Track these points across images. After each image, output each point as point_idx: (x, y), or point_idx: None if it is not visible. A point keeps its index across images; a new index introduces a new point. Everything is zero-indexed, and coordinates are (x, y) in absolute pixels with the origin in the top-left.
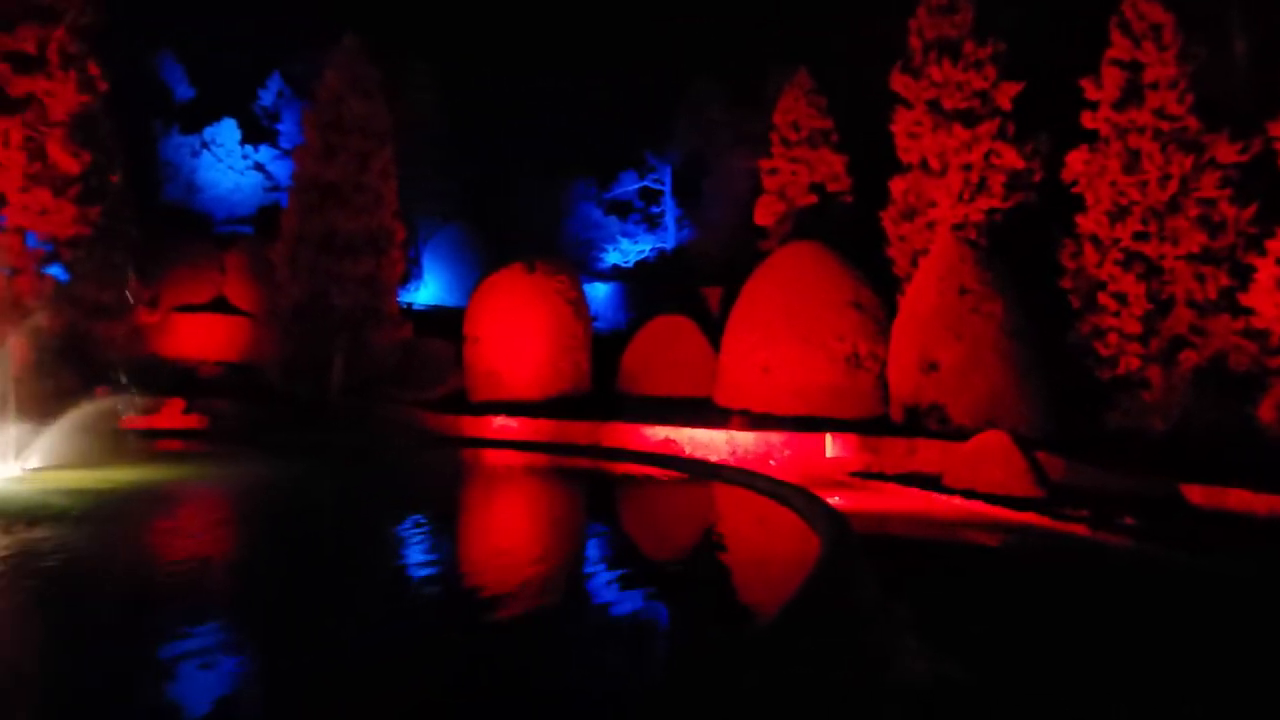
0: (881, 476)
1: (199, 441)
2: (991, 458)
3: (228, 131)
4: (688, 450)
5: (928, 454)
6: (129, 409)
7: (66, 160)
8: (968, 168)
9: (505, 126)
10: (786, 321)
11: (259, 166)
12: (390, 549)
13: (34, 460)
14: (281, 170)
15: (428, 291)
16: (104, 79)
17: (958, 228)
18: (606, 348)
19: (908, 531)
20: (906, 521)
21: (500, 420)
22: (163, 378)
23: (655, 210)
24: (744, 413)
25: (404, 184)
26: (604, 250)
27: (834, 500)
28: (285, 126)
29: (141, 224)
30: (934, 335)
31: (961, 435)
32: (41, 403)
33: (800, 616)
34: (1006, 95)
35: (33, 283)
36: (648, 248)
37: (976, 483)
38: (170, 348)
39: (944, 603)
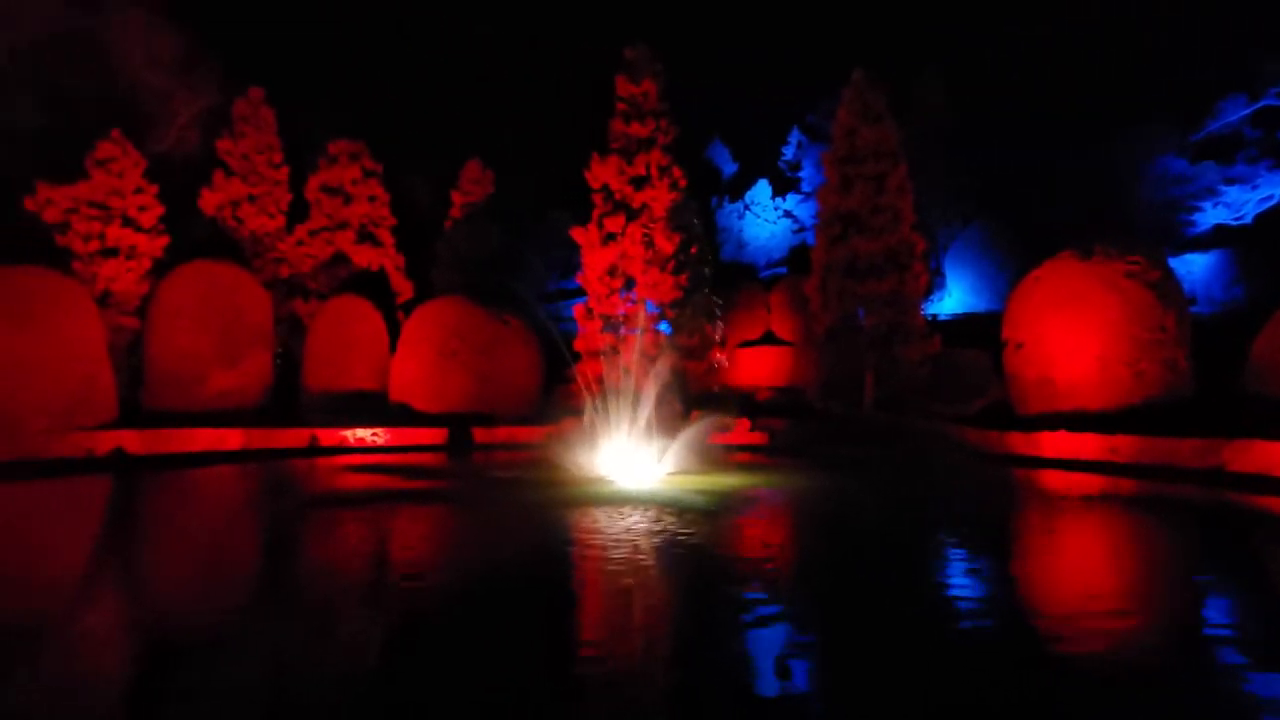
0: None
1: (763, 454)
2: None
3: (761, 191)
4: None
5: None
6: (715, 428)
7: (665, 244)
8: None
9: (1029, 96)
10: None
11: (787, 214)
12: (940, 572)
13: (668, 466)
14: (805, 212)
15: (953, 300)
16: (684, 177)
17: None
18: (1216, 336)
19: None
20: None
21: (1059, 436)
22: (732, 402)
23: None
24: None
25: (919, 193)
26: (1198, 209)
27: None
28: (805, 172)
29: (711, 282)
30: None
31: None
32: (664, 424)
33: None
34: None
35: (652, 338)
36: (1276, 191)
37: None
38: (734, 378)
39: None
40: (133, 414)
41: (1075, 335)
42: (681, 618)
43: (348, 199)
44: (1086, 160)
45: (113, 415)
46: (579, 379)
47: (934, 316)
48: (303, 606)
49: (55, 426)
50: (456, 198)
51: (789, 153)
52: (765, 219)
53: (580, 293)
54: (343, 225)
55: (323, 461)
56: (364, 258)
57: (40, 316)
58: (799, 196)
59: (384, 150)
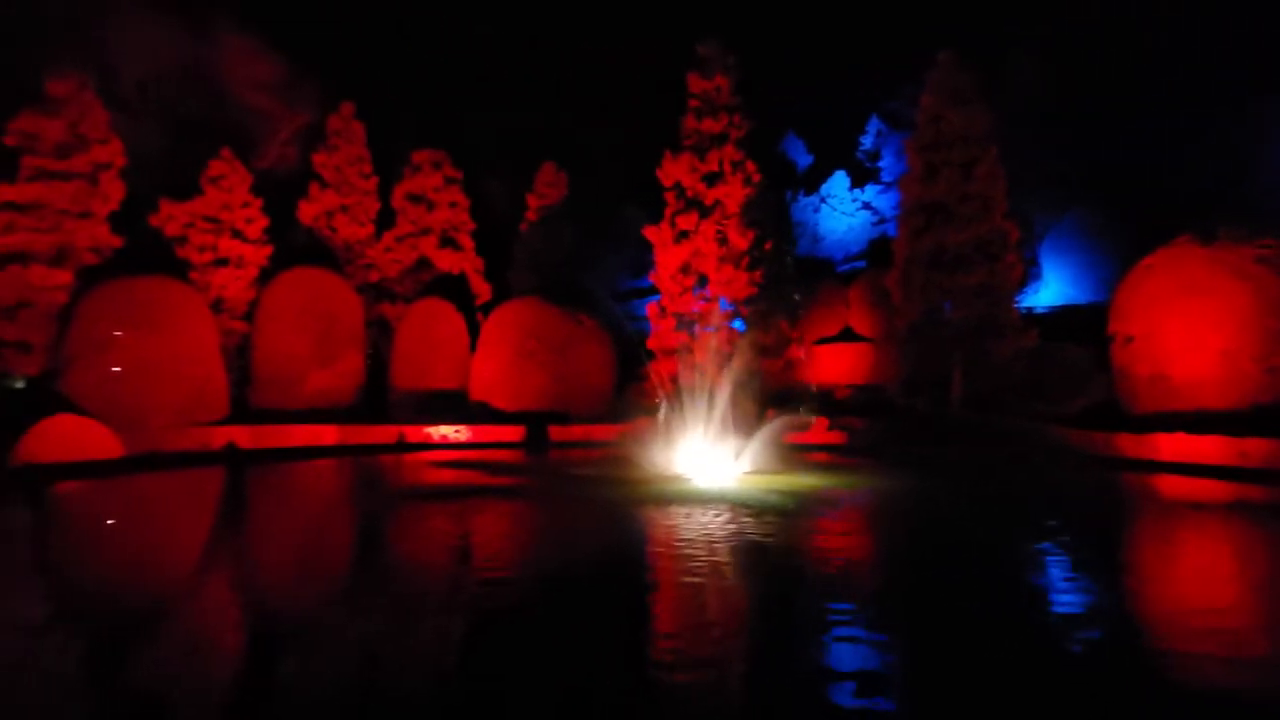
0: None
1: (841, 454)
2: None
3: (838, 183)
4: None
5: None
6: (792, 427)
7: (739, 240)
8: None
9: (1135, 70)
10: None
11: (866, 205)
12: (1038, 584)
13: (744, 466)
14: (885, 202)
15: (1050, 292)
16: (758, 172)
17: None
18: None
19: None
20: None
21: (1177, 438)
22: (808, 400)
23: None
24: None
25: (1012, 179)
26: None
27: None
28: (886, 161)
29: (787, 277)
30: None
31: None
32: (739, 423)
33: None
34: None
35: (726, 335)
36: None
37: None
38: (811, 375)
39: None
40: (241, 411)
41: (1195, 328)
42: (760, 622)
43: (431, 206)
44: (1202, 137)
45: (225, 412)
46: (653, 377)
47: (1029, 309)
48: (392, 597)
49: (176, 423)
50: (532, 200)
51: (868, 142)
52: (842, 211)
53: (653, 291)
54: (426, 231)
55: (409, 457)
56: (446, 262)
57: (164, 323)
58: (879, 187)
59: (463, 157)
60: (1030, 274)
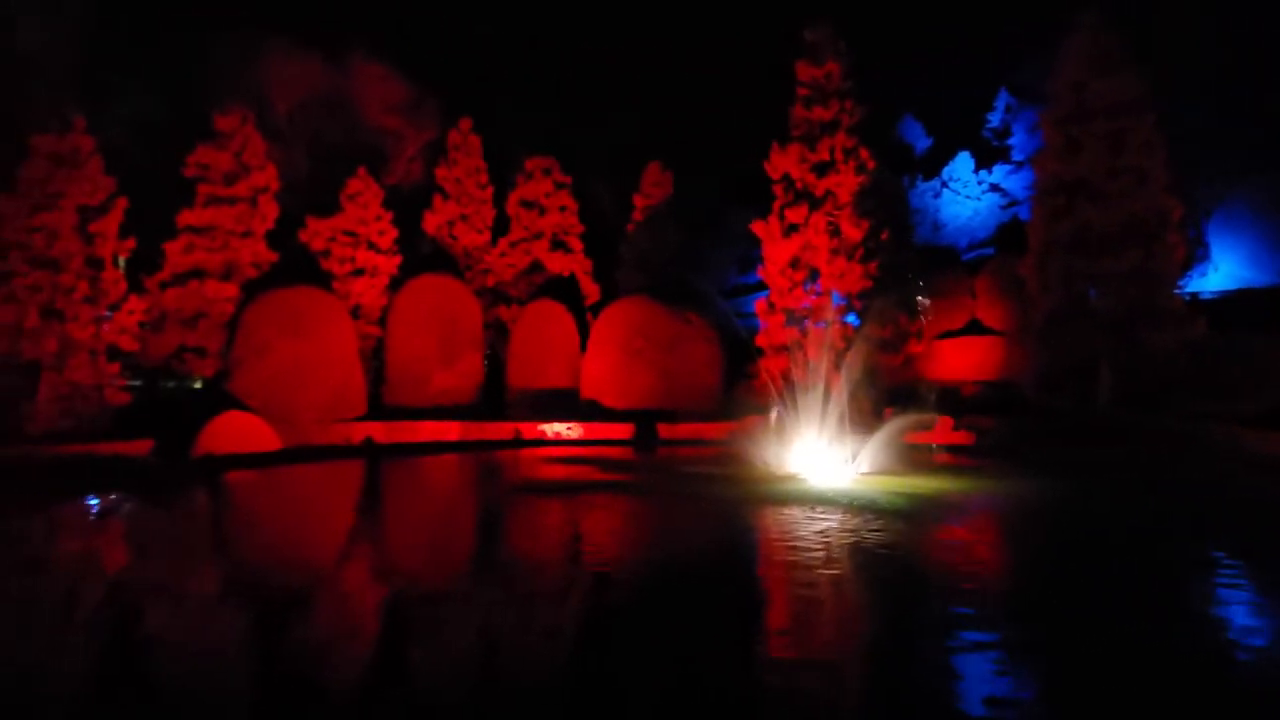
0: None
1: (968, 456)
2: None
3: (962, 165)
4: None
5: None
6: (913, 426)
7: (852, 231)
8: None
9: None
10: None
11: (994, 187)
12: (1198, 604)
13: (863, 466)
14: (1015, 183)
15: (1220, 275)
16: (872, 159)
17: None
18: None
19: None
20: None
21: None
22: (932, 398)
23: None
24: None
25: (1174, 148)
26: None
27: None
28: (1016, 139)
29: (905, 268)
30: None
31: None
32: (855, 422)
33: None
34: None
35: (840, 330)
36: None
37: None
38: (934, 371)
39: None
40: (376, 408)
41: None
42: (879, 633)
43: (542, 211)
44: None
45: (363, 410)
46: (762, 375)
47: (1194, 295)
48: (516, 586)
49: (322, 419)
50: (638, 200)
51: (995, 119)
52: (967, 195)
53: (762, 287)
54: (538, 235)
55: (525, 453)
56: (556, 264)
57: (312, 330)
58: (1008, 167)
59: (571, 161)
60: (1196, 255)
